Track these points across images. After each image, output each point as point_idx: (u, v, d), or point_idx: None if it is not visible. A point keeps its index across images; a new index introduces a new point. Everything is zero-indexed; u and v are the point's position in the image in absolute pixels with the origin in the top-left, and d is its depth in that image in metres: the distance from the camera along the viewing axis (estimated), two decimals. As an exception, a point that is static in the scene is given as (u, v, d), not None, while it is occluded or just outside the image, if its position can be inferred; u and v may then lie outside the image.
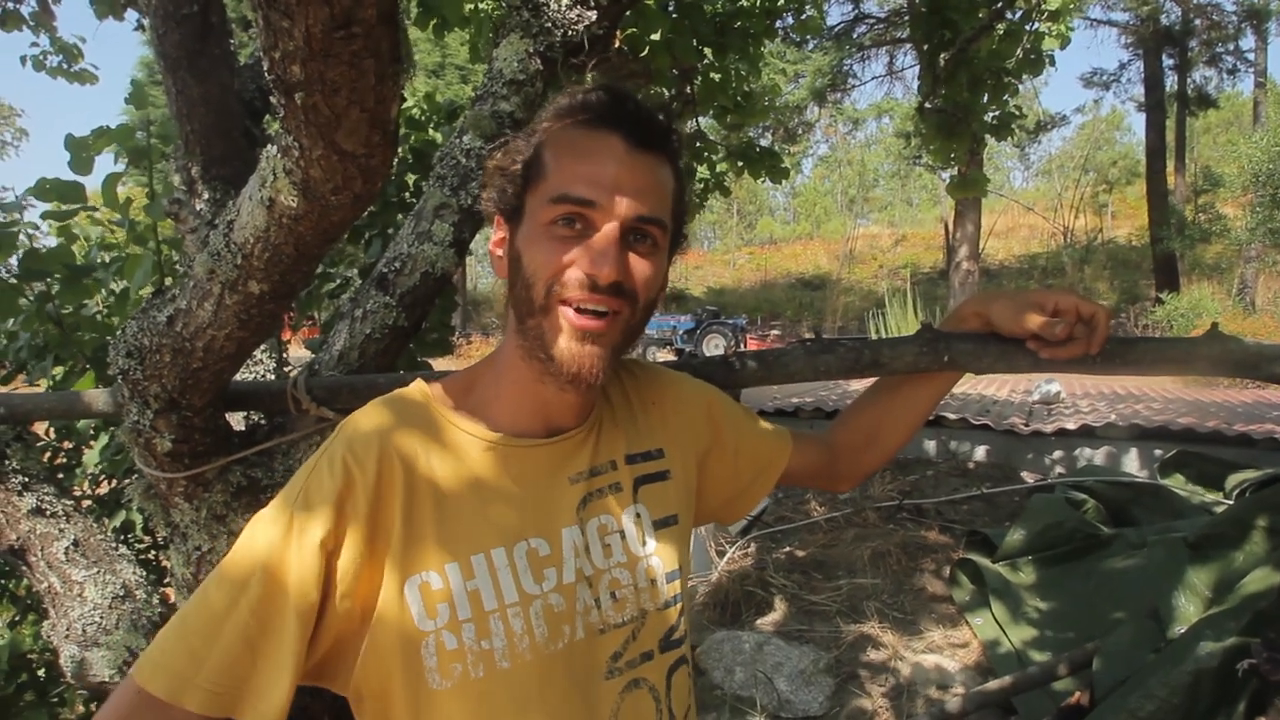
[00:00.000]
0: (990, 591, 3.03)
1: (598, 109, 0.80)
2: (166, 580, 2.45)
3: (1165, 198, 19.25)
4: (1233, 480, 3.48)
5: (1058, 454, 4.32)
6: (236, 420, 1.81)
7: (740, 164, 4.22)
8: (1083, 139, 33.42)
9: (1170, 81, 20.04)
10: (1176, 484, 3.64)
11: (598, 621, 0.82)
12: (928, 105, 3.64)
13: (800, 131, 22.47)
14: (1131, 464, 4.15)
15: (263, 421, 1.71)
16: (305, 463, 0.79)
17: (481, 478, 0.80)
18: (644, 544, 0.87)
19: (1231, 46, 19.34)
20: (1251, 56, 19.97)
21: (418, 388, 0.86)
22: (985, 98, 4.07)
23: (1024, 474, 4.31)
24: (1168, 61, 19.68)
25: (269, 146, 1.07)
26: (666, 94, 3.93)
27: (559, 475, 0.84)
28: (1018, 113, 4.10)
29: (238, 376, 2.06)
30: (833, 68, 17.04)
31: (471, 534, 0.77)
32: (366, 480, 0.74)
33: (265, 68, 0.90)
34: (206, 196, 2.13)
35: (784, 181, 4.43)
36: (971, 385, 7.89)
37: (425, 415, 0.82)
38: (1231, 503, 3.24)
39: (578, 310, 0.77)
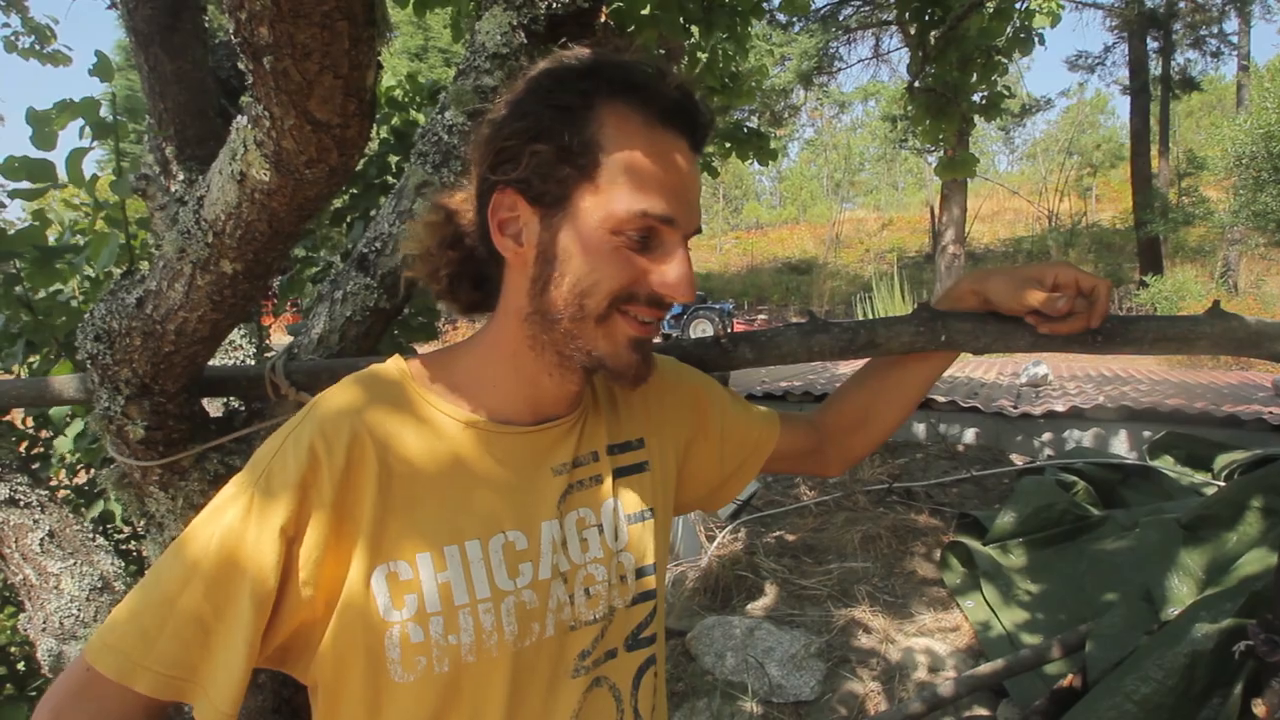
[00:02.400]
0: (981, 574, 3.02)
1: (669, 106, 0.74)
2: (145, 571, 2.40)
3: (1149, 181, 19.31)
4: (1221, 461, 3.48)
5: (1046, 436, 4.31)
6: (214, 407, 1.76)
7: (728, 145, 4.17)
8: (1067, 122, 33.51)
9: (1154, 65, 20.07)
10: (1166, 465, 3.65)
11: (569, 618, 0.79)
12: (917, 84, 3.60)
13: (786, 115, 22.40)
14: (1120, 445, 4.15)
15: (241, 407, 1.66)
16: (270, 438, 0.74)
17: (460, 462, 0.76)
18: (617, 538, 0.84)
19: (1215, 30, 19.38)
20: (1235, 40, 20.02)
21: (394, 364, 0.81)
22: (975, 77, 4.05)
23: (1013, 456, 4.30)
24: (1152, 45, 19.69)
25: (239, 117, 1.03)
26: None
27: (542, 465, 0.80)
28: (1006, 93, 4.06)
29: (216, 362, 2.01)
30: (819, 50, 16.96)
31: (446, 522, 0.74)
32: (334, 464, 0.70)
33: (232, 30, 0.85)
34: (181, 178, 2.07)
35: (771, 164, 4.39)
36: (959, 368, 7.89)
37: (401, 393, 0.77)
38: (1221, 484, 3.24)
39: (637, 321, 0.75)
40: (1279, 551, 1.66)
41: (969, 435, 4.48)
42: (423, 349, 2.53)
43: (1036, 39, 4.15)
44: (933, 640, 2.90)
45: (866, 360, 1.20)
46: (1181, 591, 2.18)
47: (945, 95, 3.68)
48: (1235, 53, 20.23)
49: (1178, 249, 20.94)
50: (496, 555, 0.75)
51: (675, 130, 0.74)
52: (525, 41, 1.75)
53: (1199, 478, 3.49)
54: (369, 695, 0.71)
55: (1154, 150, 20.68)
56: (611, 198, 0.71)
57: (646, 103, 0.73)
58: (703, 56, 4.10)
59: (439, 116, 1.67)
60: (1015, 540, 3.13)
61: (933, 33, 3.35)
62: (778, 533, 3.82)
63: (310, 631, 0.72)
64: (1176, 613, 2.00)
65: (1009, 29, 3.56)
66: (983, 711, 2.62)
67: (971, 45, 3.48)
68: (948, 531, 3.60)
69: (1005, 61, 3.81)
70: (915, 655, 2.83)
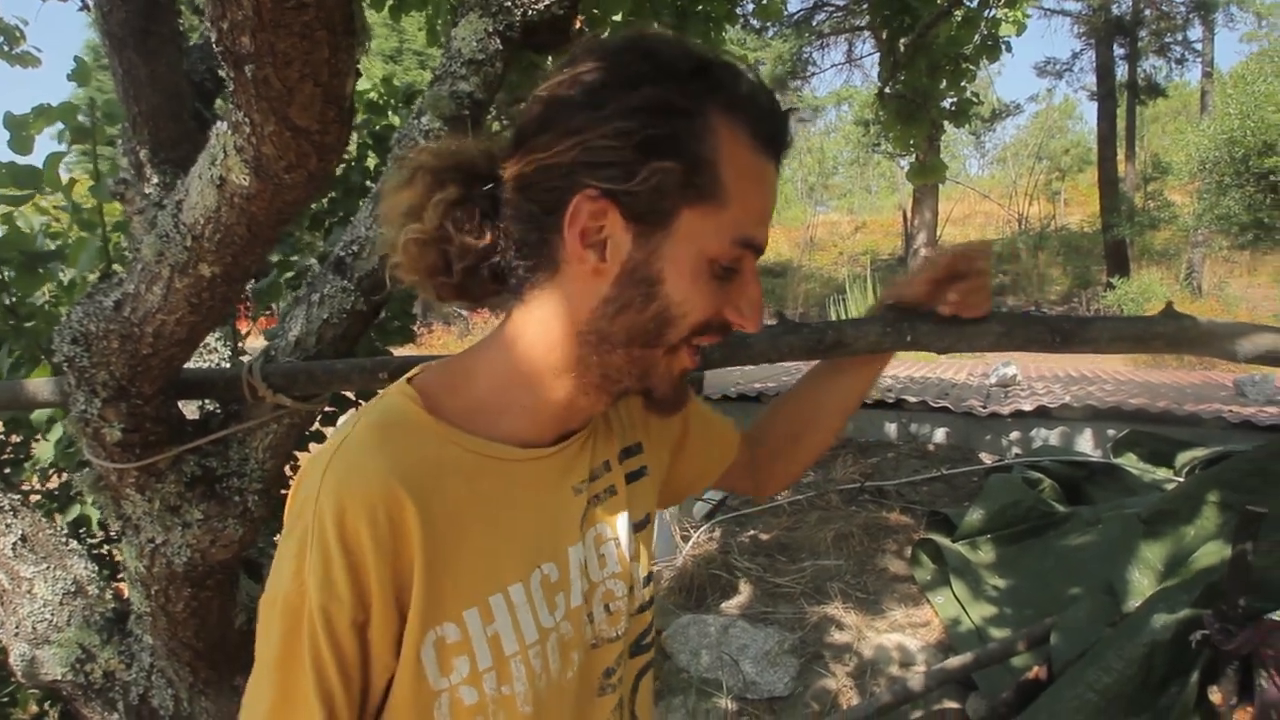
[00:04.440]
0: (950, 570, 3.08)
1: (775, 131, 0.68)
2: (120, 575, 2.39)
3: (1116, 185, 19.65)
4: (1182, 458, 3.57)
5: (1014, 435, 4.40)
6: (191, 409, 1.77)
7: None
8: (1036, 127, 33.97)
9: (1121, 71, 20.43)
10: (1129, 462, 3.73)
11: (591, 637, 0.76)
12: (887, 91, 3.66)
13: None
14: (1085, 444, 4.24)
15: (217, 410, 1.67)
16: (294, 502, 0.66)
17: (495, 501, 0.69)
18: (630, 550, 0.80)
19: (1180, 37, 19.79)
20: (1199, 47, 20.44)
21: (402, 402, 0.70)
22: (944, 84, 4.12)
23: (982, 455, 4.38)
24: (1118, 51, 20.05)
25: (219, 123, 1.04)
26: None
27: (564, 486, 0.75)
28: (975, 99, 4.14)
29: (192, 366, 2.01)
30: (792, 55, 17.10)
31: (489, 572, 0.68)
32: (379, 534, 0.62)
33: (213, 39, 0.87)
34: (156, 181, 2.07)
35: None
36: (931, 369, 8.00)
37: (425, 434, 0.68)
38: (1182, 480, 3.33)
39: (696, 351, 0.70)
40: (1233, 544, 1.72)
41: (939, 435, 4.56)
42: (398, 352, 2.53)
43: (1004, 46, 4.24)
44: (904, 636, 2.95)
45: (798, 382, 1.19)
46: (1142, 584, 2.24)
47: (915, 101, 3.74)
48: (1199, 59, 20.65)
49: (1144, 252, 21.31)
50: (537, 593, 0.70)
51: (772, 155, 0.68)
52: (501, 48, 1.77)
53: (1161, 474, 3.58)
54: None
55: (1120, 155, 21.05)
56: (720, 224, 0.65)
57: (755, 122, 0.66)
58: None
59: (415, 121, 1.69)
60: (984, 537, 3.20)
61: (902, 40, 3.41)
62: (752, 532, 3.87)
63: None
64: (1137, 605, 2.06)
65: (977, 37, 3.63)
66: (952, 704, 2.67)
67: (940, 53, 3.55)
68: (918, 529, 3.66)
69: (973, 68, 3.88)
70: (887, 650, 2.89)
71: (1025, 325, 1.37)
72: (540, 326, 0.69)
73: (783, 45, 16.92)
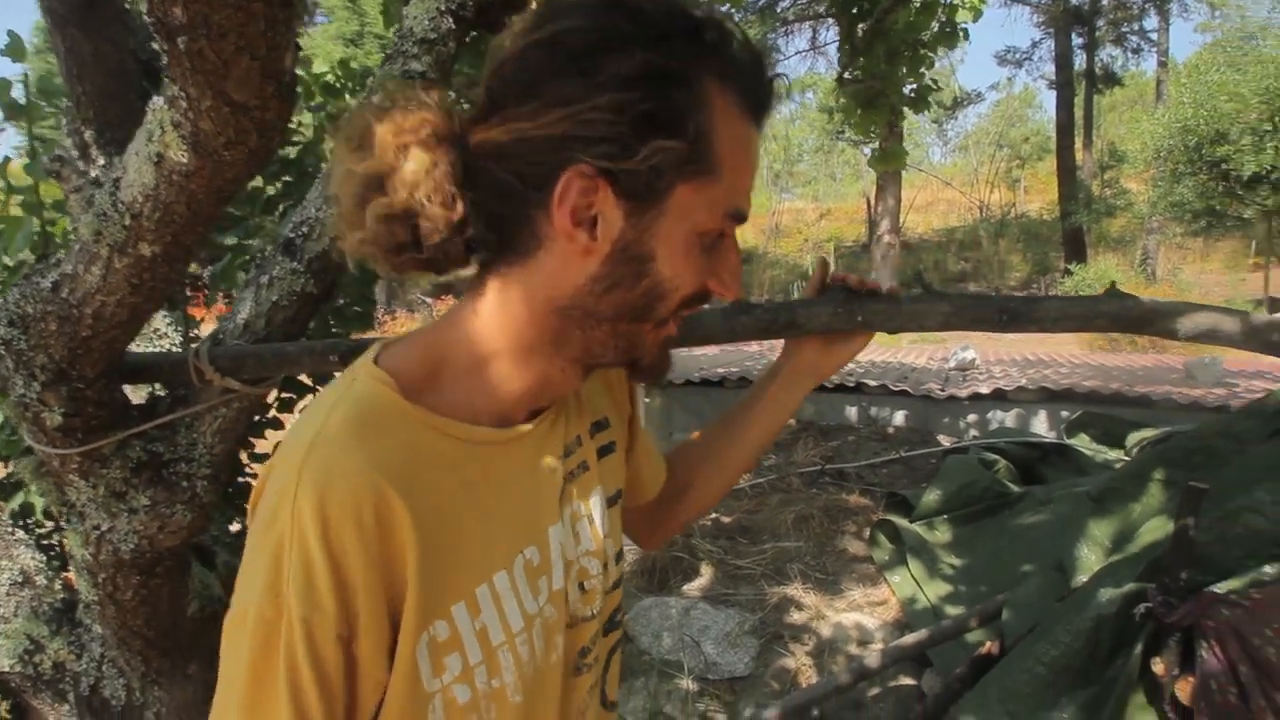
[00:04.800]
0: (907, 550, 3.13)
1: (765, 100, 0.65)
2: (70, 565, 2.35)
3: (1073, 173, 19.97)
4: (1133, 438, 3.65)
5: (972, 417, 4.47)
6: (139, 394, 1.74)
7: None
8: (997, 116, 34.38)
9: (1079, 60, 20.74)
10: (1082, 443, 3.81)
11: (569, 619, 0.74)
12: (847, 76, 3.68)
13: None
14: (1040, 425, 4.32)
15: (164, 394, 1.64)
16: (265, 504, 0.60)
17: (477, 487, 0.66)
18: (603, 528, 0.78)
19: (1136, 26, 20.13)
20: (1155, 37, 20.81)
21: (375, 389, 0.64)
22: (904, 70, 4.15)
23: (940, 437, 4.45)
24: (1076, 40, 20.35)
25: (155, 98, 1.02)
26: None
27: (542, 463, 0.72)
28: (934, 86, 4.17)
29: (141, 350, 1.97)
30: (756, 42, 17.07)
31: (474, 562, 0.64)
32: (366, 537, 0.58)
33: (145, 10, 0.85)
34: (102, 162, 2.02)
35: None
36: (892, 354, 8.09)
37: (408, 427, 0.63)
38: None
39: (679, 321, 0.68)
40: (1175, 520, 1.77)
41: (899, 418, 4.62)
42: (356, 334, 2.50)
43: (962, 33, 4.28)
44: (862, 615, 2.99)
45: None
46: (1090, 560, 2.30)
47: (874, 88, 3.76)
48: (1155, 49, 21.03)
49: (1101, 238, 21.71)
50: (521, 579, 0.67)
51: (759, 120, 0.65)
52: (454, 26, 1.75)
53: (1112, 455, 3.66)
54: None
55: (1079, 143, 21.39)
56: (714, 198, 0.63)
57: (746, 88, 0.63)
58: None
59: (366, 102, 1.67)
60: (940, 517, 3.25)
61: (860, 26, 3.43)
62: (714, 515, 3.89)
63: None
64: (1084, 580, 2.11)
65: (935, 23, 3.65)
66: (909, 681, 2.72)
67: (898, 39, 3.57)
68: (877, 510, 3.71)
69: (932, 55, 3.92)
70: (845, 630, 2.93)
71: (974, 305, 1.39)
72: (518, 302, 0.66)
73: (749, 31, 16.91)
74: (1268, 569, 1.75)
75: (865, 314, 1.30)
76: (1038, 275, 21.41)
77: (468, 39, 3.16)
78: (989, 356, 7.26)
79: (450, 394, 0.66)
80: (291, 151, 2.95)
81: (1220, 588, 1.75)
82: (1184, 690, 1.77)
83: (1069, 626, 1.93)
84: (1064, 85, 19.91)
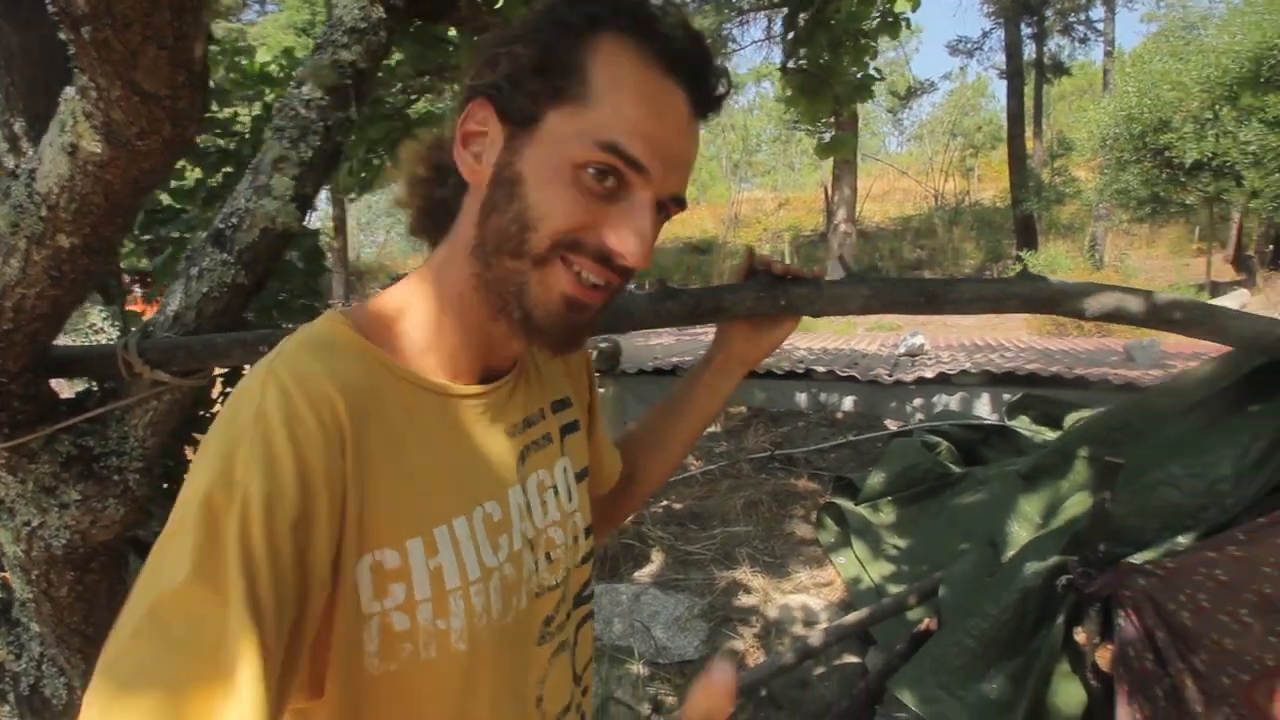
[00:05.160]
0: (852, 532, 3.20)
1: (678, 54, 0.66)
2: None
3: (1024, 161, 20.33)
4: (1070, 419, 3.75)
5: (918, 401, 4.56)
6: (69, 388, 1.72)
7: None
8: (951, 105, 34.85)
9: (1029, 50, 21.11)
10: (1022, 424, 3.91)
11: (535, 586, 0.75)
12: (790, 66, 3.72)
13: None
14: (983, 408, 4.42)
15: (95, 388, 1.63)
16: (223, 415, 0.60)
17: (433, 436, 0.68)
18: (570, 499, 0.81)
19: (1083, 16, 20.53)
20: (1101, 26, 21.25)
21: (333, 325, 0.67)
22: (847, 60, 4.20)
23: (887, 421, 4.53)
24: (1026, 30, 20.70)
25: (67, 89, 1.02)
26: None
27: (497, 428, 0.74)
28: (877, 76, 4.23)
29: (72, 344, 1.95)
30: (713, 32, 17.13)
31: (432, 502, 0.66)
32: (326, 434, 0.59)
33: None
34: (32, 154, 1.99)
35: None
36: (845, 340, 8.21)
37: (362, 360, 0.66)
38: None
39: (579, 278, 0.66)
40: (1095, 494, 1.84)
41: (847, 403, 4.70)
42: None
43: (905, 24, 4.34)
44: (808, 596, 3.06)
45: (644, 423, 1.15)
46: (1020, 536, 2.37)
47: (817, 77, 3.81)
48: (1101, 39, 21.47)
49: (1052, 226, 22.13)
50: (480, 530, 0.69)
51: (676, 80, 0.66)
52: (384, 16, 1.75)
53: (1051, 435, 3.76)
54: (344, 691, 0.63)
55: (1029, 132, 21.78)
56: (583, 126, 0.63)
57: (649, 39, 0.65)
58: None
59: (296, 91, 1.66)
60: (884, 499, 3.32)
61: (802, 16, 3.47)
62: (665, 502, 3.94)
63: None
64: (1014, 555, 2.18)
65: (875, 13, 3.71)
66: (854, 659, 2.79)
67: (840, 29, 3.61)
68: (825, 494, 3.78)
69: (874, 44, 3.97)
70: (792, 611, 2.99)
71: (893, 288, 1.44)
72: (450, 248, 0.70)
73: (703, 21, 16.94)
74: (1181, 539, 1.83)
75: (789, 298, 1.34)
76: (990, 262, 21.79)
77: (413, 29, 3.14)
78: (939, 342, 7.40)
79: (405, 344, 0.69)
80: (232, 143, 2.92)
81: (1137, 558, 1.82)
82: (1104, 658, 1.84)
83: (996, 600, 2.00)
84: (1014, 75, 20.25)
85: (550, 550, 0.77)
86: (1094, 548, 1.83)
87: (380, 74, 3.65)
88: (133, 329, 2.27)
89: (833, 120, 4.18)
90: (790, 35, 3.60)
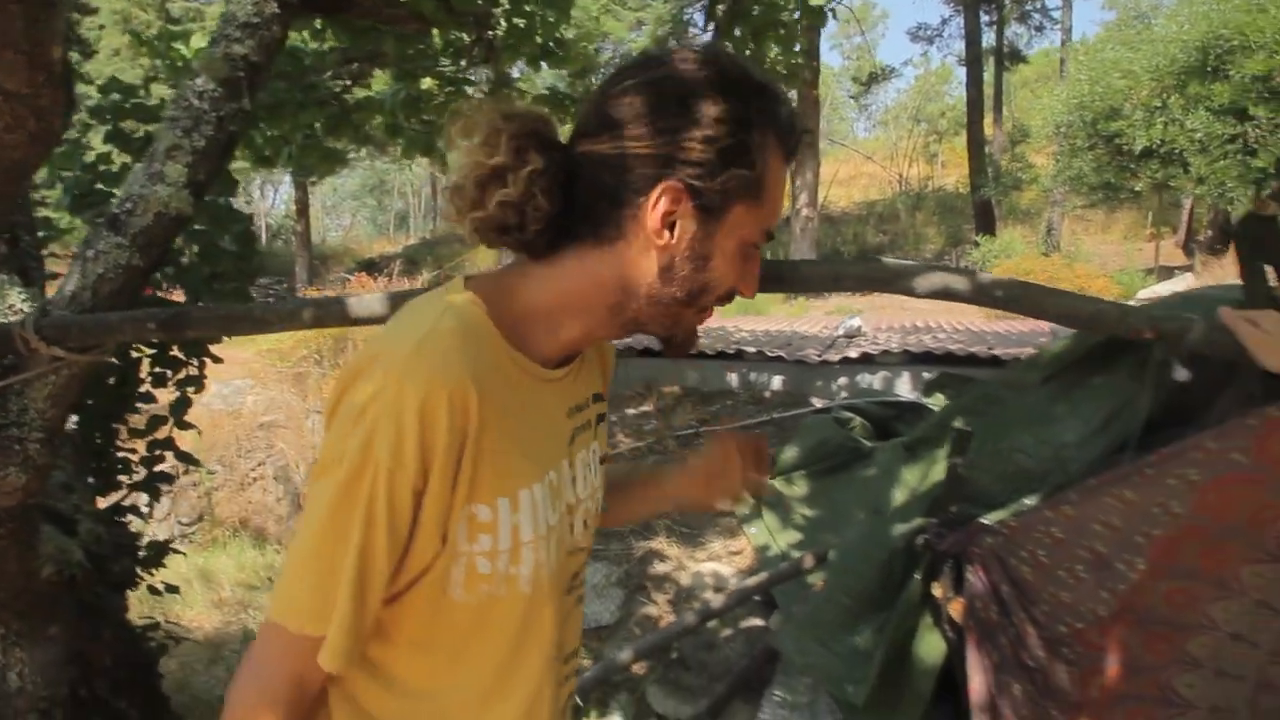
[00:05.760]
0: (763, 503, 3.35)
1: (797, 148, 0.86)
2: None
3: (983, 148, 20.60)
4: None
5: (843, 380, 4.73)
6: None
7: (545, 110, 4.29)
8: (916, 91, 35.12)
9: (988, 37, 21.34)
10: (935, 402, 4.07)
11: (570, 545, 0.91)
12: (714, 55, 3.83)
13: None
14: (904, 386, 4.59)
15: (-5, 364, 1.72)
16: (367, 382, 0.74)
17: (527, 410, 0.83)
18: (598, 479, 0.97)
19: (1040, 4, 20.81)
20: (1058, 15, 21.55)
21: (474, 311, 0.81)
22: (777, 49, 4.30)
23: (814, 400, 4.69)
24: (985, 18, 20.93)
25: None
26: (466, 39, 3.95)
27: (562, 408, 0.90)
28: (804, 63, 4.35)
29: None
30: (673, 16, 17.19)
31: (519, 468, 0.81)
32: (453, 421, 0.74)
33: (-96, 9, 0.95)
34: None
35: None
36: (787, 323, 8.38)
37: (489, 340, 0.80)
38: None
39: (707, 311, 0.88)
40: (950, 460, 1.99)
41: (776, 382, 4.86)
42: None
43: (830, 12, 4.46)
44: (719, 564, 3.21)
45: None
46: (899, 502, 2.53)
47: (743, 65, 3.92)
48: (1058, 27, 21.78)
49: (1011, 211, 22.46)
50: (546, 495, 0.84)
51: (789, 163, 0.86)
52: (278, 11, 1.85)
53: (961, 412, 3.93)
54: (428, 610, 0.81)
55: (990, 119, 22.06)
56: (757, 219, 0.82)
57: (787, 140, 0.83)
58: (520, 23, 4.14)
59: (191, 83, 1.76)
60: (798, 472, 3.48)
61: (720, 7, 3.58)
62: (597, 479, 4.05)
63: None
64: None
65: (793, 2, 3.81)
66: (758, 621, 2.95)
67: (760, 18, 3.73)
68: (747, 469, 3.92)
69: (796, 31, 4.08)
70: (703, 577, 3.14)
71: None
72: (591, 275, 0.83)
73: (663, 7, 17.00)
74: (1028, 500, 1.99)
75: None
76: (950, 247, 22.08)
77: (320, 23, 3.20)
78: (880, 324, 7.58)
79: (521, 330, 0.83)
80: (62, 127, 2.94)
81: (988, 519, 1.98)
82: (957, 610, 2.00)
83: (867, 559, 2.16)
84: (973, 62, 20.48)
85: (587, 519, 0.95)
86: (946, 509, 1.99)
87: (311, 61, 3.71)
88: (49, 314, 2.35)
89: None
90: (711, 25, 3.70)
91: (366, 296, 1.56)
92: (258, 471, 8.66)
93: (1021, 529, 1.87)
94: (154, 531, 7.59)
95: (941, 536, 1.98)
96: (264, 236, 32.40)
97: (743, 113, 0.78)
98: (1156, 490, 1.61)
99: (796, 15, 3.95)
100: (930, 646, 2.05)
